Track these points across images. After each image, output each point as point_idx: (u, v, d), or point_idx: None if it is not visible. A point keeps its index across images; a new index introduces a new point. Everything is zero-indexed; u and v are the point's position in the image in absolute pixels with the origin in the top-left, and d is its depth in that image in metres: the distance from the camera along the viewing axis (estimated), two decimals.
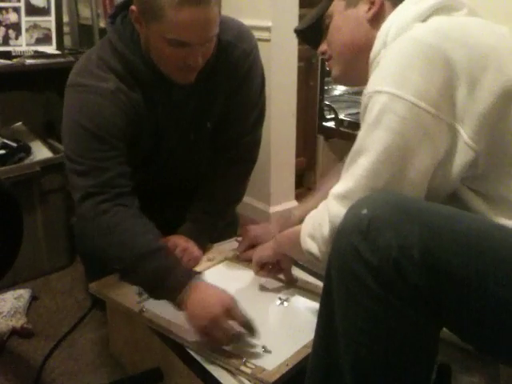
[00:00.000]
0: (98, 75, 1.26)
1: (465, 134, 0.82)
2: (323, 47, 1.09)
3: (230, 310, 1.08)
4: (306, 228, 1.00)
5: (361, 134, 0.88)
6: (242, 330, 1.08)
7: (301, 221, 1.37)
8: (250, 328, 1.08)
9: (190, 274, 1.17)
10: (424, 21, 0.90)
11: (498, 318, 0.75)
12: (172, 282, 1.15)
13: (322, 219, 0.94)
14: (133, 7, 1.18)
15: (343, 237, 0.80)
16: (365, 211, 0.78)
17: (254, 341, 1.09)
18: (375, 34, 0.95)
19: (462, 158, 0.84)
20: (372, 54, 0.95)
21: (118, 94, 1.26)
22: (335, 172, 1.42)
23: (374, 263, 0.75)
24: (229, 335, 1.07)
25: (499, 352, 0.82)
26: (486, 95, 0.82)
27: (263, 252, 1.27)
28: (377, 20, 0.97)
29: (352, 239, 0.78)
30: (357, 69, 1.03)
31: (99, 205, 1.21)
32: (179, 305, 1.13)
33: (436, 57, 0.82)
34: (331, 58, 1.07)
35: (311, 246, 0.98)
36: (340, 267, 0.81)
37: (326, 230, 0.92)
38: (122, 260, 1.20)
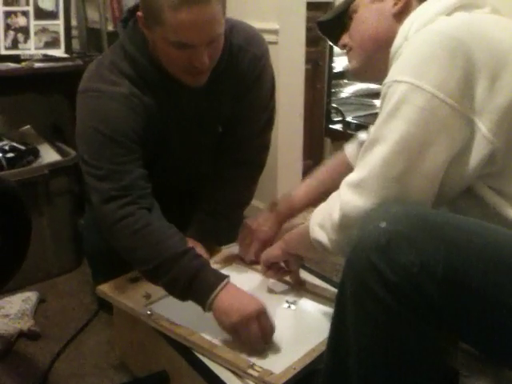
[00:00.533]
0: (110, 80, 1.26)
1: (483, 126, 0.82)
2: (345, 39, 1.09)
3: (263, 314, 1.09)
4: (316, 218, 1.00)
5: (378, 122, 0.87)
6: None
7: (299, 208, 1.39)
8: (268, 341, 1.09)
9: (221, 276, 1.16)
10: (447, 16, 0.90)
11: None
12: (203, 282, 1.14)
13: (332, 208, 0.93)
14: (139, 13, 1.19)
15: (360, 251, 0.78)
16: (384, 225, 0.77)
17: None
18: (398, 30, 0.95)
19: (479, 151, 0.83)
20: (393, 48, 0.94)
21: (131, 98, 1.26)
22: (332, 161, 1.43)
23: (392, 281, 0.75)
24: (255, 338, 1.07)
25: None
26: (507, 89, 0.81)
27: (271, 252, 1.27)
28: (402, 15, 0.97)
29: (370, 255, 0.76)
30: (376, 63, 1.03)
31: (124, 207, 1.21)
32: (208, 306, 1.12)
33: (458, 49, 0.81)
34: (351, 50, 1.08)
35: (320, 234, 0.97)
36: (355, 282, 0.80)
37: (336, 218, 0.91)
38: (150, 262, 1.18)
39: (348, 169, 1.34)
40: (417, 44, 0.85)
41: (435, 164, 0.83)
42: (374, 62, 1.03)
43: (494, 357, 0.85)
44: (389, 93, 0.85)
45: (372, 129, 0.89)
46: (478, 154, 0.83)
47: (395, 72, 0.86)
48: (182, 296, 1.18)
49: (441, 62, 0.81)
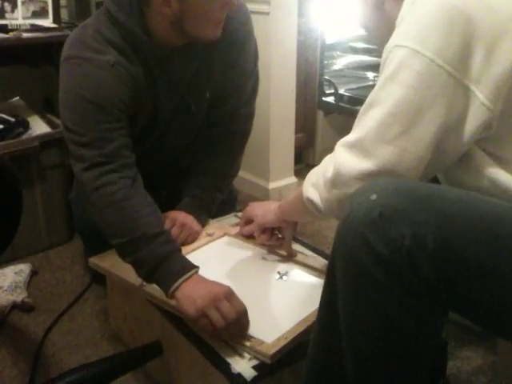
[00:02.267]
0: (96, 48, 1.25)
1: (480, 94, 0.82)
2: None
3: (230, 294, 1.06)
4: (310, 178, 1.01)
5: (376, 86, 0.88)
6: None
7: None
8: (245, 320, 1.06)
9: (188, 266, 1.14)
10: None
11: None
12: (167, 270, 1.12)
13: (326, 168, 0.94)
14: None
15: (351, 224, 0.78)
16: (374, 197, 0.77)
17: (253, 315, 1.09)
18: (388, 9, 0.97)
19: (476, 118, 0.84)
20: (400, 15, 0.94)
21: (117, 67, 1.25)
22: None
23: (385, 255, 0.74)
24: (227, 319, 1.03)
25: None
26: (505, 57, 0.82)
27: (266, 217, 1.28)
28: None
29: (361, 229, 0.76)
30: (382, 39, 1.01)
31: (105, 175, 1.20)
32: (170, 293, 1.10)
33: (458, 17, 0.82)
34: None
35: (313, 193, 0.98)
36: (347, 258, 0.80)
37: (329, 176, 0.92)
38: (119, 237, 1.18)
39: None
40: (419, 11, 0.86)
41: (430, 129, 0.84)
42: (383, 40, 1.03)
43: (490, 328, 0.86)
44: (389, 57, 0.86)
45: (371, 92, 0.89)
46: (474, 120, 0.84)
47: (397, 37, 0.87)
48: (146, 279, 1.17)
49: (441, 29, 0.82)
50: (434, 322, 0.81)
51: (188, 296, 1.07)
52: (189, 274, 1.11)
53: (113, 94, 1.24)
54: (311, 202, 0.98)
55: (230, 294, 1.06)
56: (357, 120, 0.90)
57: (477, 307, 0.78)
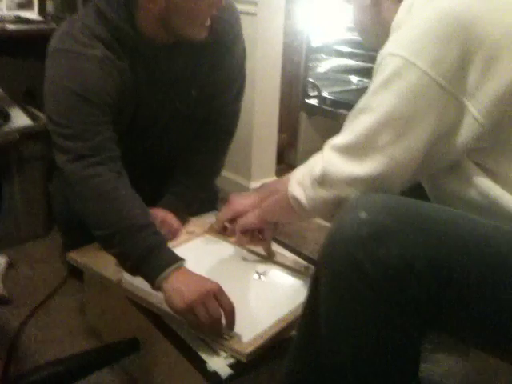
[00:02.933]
0: (83, 42, 1.24)
1: (473, 108, 0.82)
2: None
3: (220, 292, 1.06)
4: (296, 176, 1.00)
5: (368, 92, 0.88)
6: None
7: None
8: (231, 319, 1.06)
9: (175, 258, 1.14)
10: None
11: (500, 320, 0.75)
12: (154, 262, 1.12)
13: (313, 166, 0.94)
14: None
15: (339, 240, 0.78)
16: (363, 215, 0.76)
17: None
18: (376, 12, 0.97)
19: (468, 131, 0.84)
20: (395, 20, 0.94)
21: (105, 61, 1.24)
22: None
23: (372, 274, 0.74)
24: (214, 317, 1.04)
25: (498, 349, 0.83)
26: (503, 73, 0.81)
27: (248, 219, 1.27)
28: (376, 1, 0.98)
29: (349, 247, 0.76)
30: (373, 40, 1.04)
31: (92, 167, 1.19)
32: (157, 285, 1.10)
33: (457, 29, 0.81)
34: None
35: (298, 191, 0.98)
36: (332, 273, 0.79)
37: (316, 174, 0.92)
38: (105, 228, 1.18)
39: None
40: (417, 19, 0.86)
41: (420, 139, 0.84)
42: (373, 41, 1.04)
43: (475, 345, 0.86)
44: (382, 64, 0.86)
45: (362, 97, 0.90)
46: (466, 133, 0.84)
47: (392, 44, 0.86)
48: (132, 271, 1.17)
49: (437, 41, 0.81)
50: (417, 337, 0.80)
51: (176, 288, 1.07)
52: (176, 264, 1.11)
53: (99, 88, 1.23)
54: (296, 200, 0.98)
55: (219, 292, 1.06)
56: (347, 122, 0.91)
57: (463, 326, 0.78)
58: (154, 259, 1.12)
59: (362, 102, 0.89)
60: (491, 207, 0.86)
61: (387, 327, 0.77)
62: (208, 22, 1.25)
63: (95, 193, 1.19)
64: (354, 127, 0.88)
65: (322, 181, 0.91)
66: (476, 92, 0.82)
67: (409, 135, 0.84)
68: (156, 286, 1.11)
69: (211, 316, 1.04)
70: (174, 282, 1.08)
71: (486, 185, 0.86)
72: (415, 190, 0.95)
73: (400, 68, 0.83)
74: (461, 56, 0.81)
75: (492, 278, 0.74)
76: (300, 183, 0.98)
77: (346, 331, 0.80)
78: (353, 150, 0.87)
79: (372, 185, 0.87)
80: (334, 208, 0.93)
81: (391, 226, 0.75)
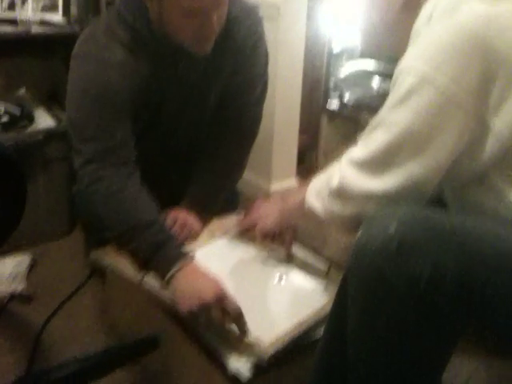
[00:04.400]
0: (105, 45, 1.26)
1: (495, 126, 0.80)
2: None
3: (223, 299, 1.06)
4: (313, 186, 1.01)
5: (386, 105, 0.86)
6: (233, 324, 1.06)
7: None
8: (241, 323, 1.05)
9: (181, 253, 1.16)
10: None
11: None
12: (163, 257, 1.15)
13: (331, 178, 0.93)
14: None
15: (367, 254, 0.77)
16: (393, 229, 0.75)
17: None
18: (405, 13, 0.94)
19: (490, 148, 0.82)
20: (415, 27, 0.92)
21: (125, 66, 1.26)
22: None
23: (400, 288, 0.73)
24: (218, 324, 1.05)
25: None
26: None
27: (267, 221, 1.28)
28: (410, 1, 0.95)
29: (378, 261, 0.75)
30: (384, 43, 1.03)
31: (101, 169, 1.22)
32: (168, 282, 1.12)
33: (478, 46, 0.79)
34: None
35: (315, 202, 0.98)
36: (359, 285, 0.79)
37: (333, 187, 0.92)
38: (115, 228, 1.21)
39: None
40: (437, 33, 0.83)
41: (439, 156, 0.82)
42: (384, 44, 1.04)
43: (505, 357, 0.86)
44: (400, 77, 0.84)
45: (381, 109, 0.88)
46: (489, 149, 0.82)
47: (410, 58, 0.84)
48: (145, 267, 1.19)
49: (458, 57, 0.79)
50: (444, 351, 0.79)
51: (182, 290, 1.09)
52: (184, 261, 1.13)
53: (118, 91, 1.25)
54: (313, 210, 0.99)
55: (221, 299, 1.05)
56: (364, 136, 0.90)
57: (491, 340, 0.78)
58: (160, 257, 1.15)
59: (380, 116, 0.87)
60: None
61: (414, 342, 0.76)
62: (210, 38, 1.23)
63: (103, 196, 1.22)
64: (372, 142, 0.87)
65: (339, 194, 0.91)
66: (498, 108, 0.80)
67: (427, 152, 0.82)
68: (166, 284, 1.13)
69: (214, 325, 1.05)
70: (180, 283, 1.11)
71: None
72: (433, 199, 0.93)
73: (418, 83, 0.81)
74: (482, 72, 0.79)
75: None
76: (318, 193, 0.98)
77: (372, 345, 0.80)
78: (370, 166, 0.86)
79: (389, 201, 0.85)
80: (350, 221, 0.92)
81: (420, 240, 0.73)
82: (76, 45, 1.30)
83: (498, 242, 0.75)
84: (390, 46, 1.02)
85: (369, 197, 0.87)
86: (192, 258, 1.15)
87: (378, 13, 1.01)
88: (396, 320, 0.76)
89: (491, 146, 0.82)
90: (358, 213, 0.90)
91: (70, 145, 1.29)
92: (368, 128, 0.89)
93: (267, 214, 1.29)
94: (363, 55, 2.77)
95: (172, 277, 1.12)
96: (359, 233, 0.81)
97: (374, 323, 0.78)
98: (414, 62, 0.83)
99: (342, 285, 0.85)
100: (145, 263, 1.18)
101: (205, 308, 1.05)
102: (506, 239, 0.76)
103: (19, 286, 1.58)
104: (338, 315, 0.86)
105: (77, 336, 1.45)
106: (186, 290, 1.09)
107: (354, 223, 0.93)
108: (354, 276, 0.80)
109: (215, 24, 1.19)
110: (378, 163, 0.86)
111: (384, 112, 0.87)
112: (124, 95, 1.26)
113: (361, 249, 0.78)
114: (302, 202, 1.04)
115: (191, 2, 1.13)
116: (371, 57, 2.75)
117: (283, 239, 1.30)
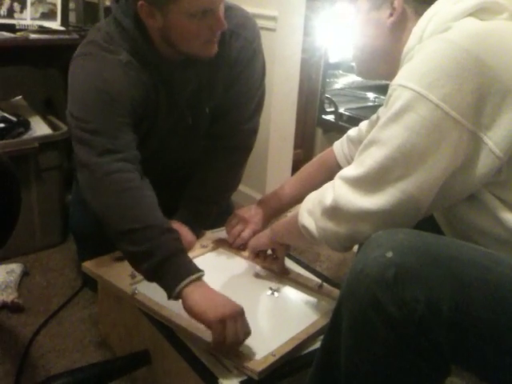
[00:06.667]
0: (108, 48, 1.27)
1: (490, 141, 0.81)
2: None
3: (241, 317, 1.04)
4: (306, 204, 1.00)
5: (379, 124, 0.86)
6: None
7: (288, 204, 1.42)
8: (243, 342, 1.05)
9: (194, 268, 1.12)
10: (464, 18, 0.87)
11: None
12: (178, 266, 1.10)
13: (324, 196, 0.93)
14: (141, 2, 1.18)
15: (363, 281, 0.76)
16: (390, 255, 0.74)
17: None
18: (393, 39, 0.96)
19: (485, 165, 0.82)
20: (406, 49, 0.93)
21: (129, 67, 1.26)
22: (320, 157, 1.45)
23: (396, 317, 0.73)
24: (239, 336, 1.03)
25: None
26: None
27: (259, 240, 1.28)
28: (397, 26, 0.96)
29: (374, 288, 0.74)
30: (375, 68, 1.03)
31: (120, 161, 1.19)
32: (176, 292, 1.07)
33: (470, 63, 0.80)
34: (353, 54, 1.07)
35: (308, 221, 0.97)
36: (354, 312, 0.78)
37: (326, 205, 0.91)
38: (127, 224, 1.14)
39: (335, 165, 1.35)
40: (429, 52, 0.84)
41: (433, 174, 0.82)
42: (373, 67, 1.04)
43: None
44: (393, 96, 0.84)
45: (373, 129, 0.88)
46: (483, 167, 0.82)
47: (403, 76, 0.85)
48: (150, 272, 1.13)
49: (450, 74, 0.80)
50: (437, 379, 0.79)
51: (208, 298, 1.05)
52: (198, 274, 1.09)
53: (124, 90, 1.25)
54: (307, 229, 0.98)
55: (240, 315, 1.04)
56: (358, 153, 0.90)
57: (486, 370, 0.76)
58: (175, 264, 1.10)
59: (373, 134, 0.87)
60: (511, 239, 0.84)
61: (408, 370, 0.76)
62: (216, 39, 1.25)
63: (121, 187, 1.18)
64: (366, 160, 0.86)
65: (333, 213, 0.90)
66: (492, 125, 0.81)
67: (421, 169, 0.82)
68: (175, 292, 1.07)
69: (237, 334, 1.02)
70: (197, 292, 1.06)
71: (507, 218, 0.84)
72: (425, 221, 0.93)
73: (411, 101, 0.81)
74: (475, 89, 0.79)
75: None
76: (310, 213, 0.97)
77: (365, 371, 0.79)
78: (364, 183, 0.86)
79: (383, 219, 0.85)
80: (344, 241, 0.92)
81: (417, 268, 0.73)
82: (80, 47, 1.30)
83: (492, 267, 0.75)
84: (379, 70, 1.02)
85: (363, 215, 0.86)
86: (203, 273, 1.11)
87: (367, 40, 1.02)
88: (389, 346, 0.75)
89: (485, 162, 0.82)
90: (352, 231, 0.89)
91: (66, 152, 1.27)
92: (362, 147, 0.89)
93: (259, 236, 1.29)
94: None
95: (184, 288, 1.07)
96: (355, 259, 0.80)
97: (367, 348, 0.77)
98: (407, 80, 0.83)
99: (336, 309, 0.84)
100: (154, 269, 1.11)
101: (235, 317, 1.02)
102: (500, 264, 0.75)
103: (10, 296, 1.57)
104: (331, 340, 0.85)
105: (67, 349, 1.44)
106: (204, 300, 1.05)
107: (347, 242, 0.93)
108: (349, 301, 0.79)
109: (223, 18, 1.21)
110: (372, 180, 0.85)
111: (377, 129, 0.87)
112: (131, 96, 1.26)
113: (357, 273, 0.78)
114: (294, 222, 1.03)
115: (199, 6, 1.15)
116: None
117: (276, 255, 1.29)
